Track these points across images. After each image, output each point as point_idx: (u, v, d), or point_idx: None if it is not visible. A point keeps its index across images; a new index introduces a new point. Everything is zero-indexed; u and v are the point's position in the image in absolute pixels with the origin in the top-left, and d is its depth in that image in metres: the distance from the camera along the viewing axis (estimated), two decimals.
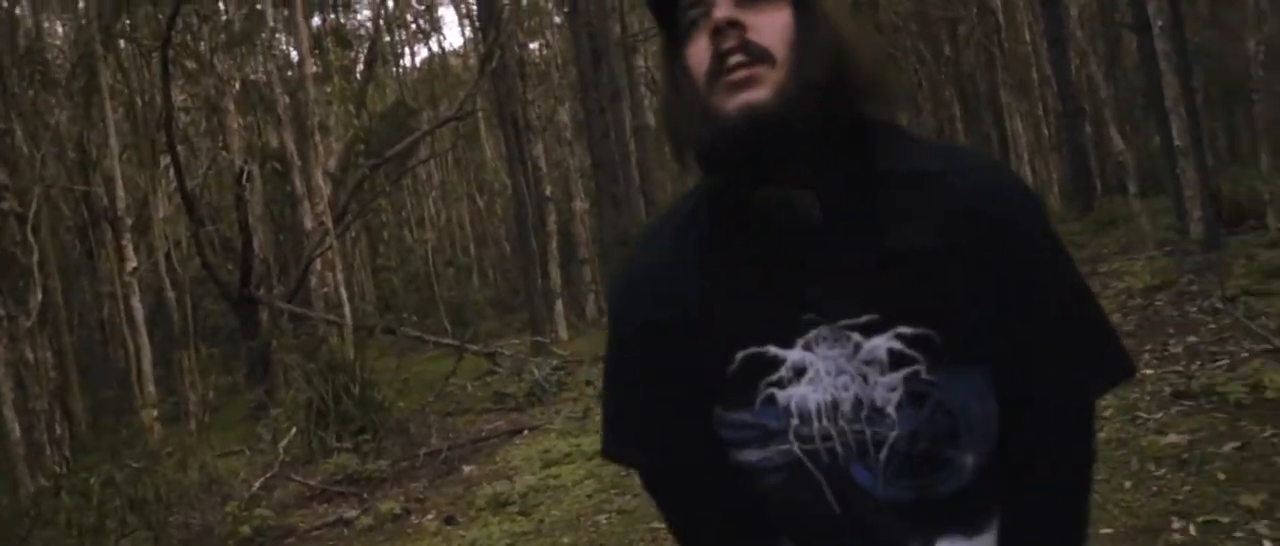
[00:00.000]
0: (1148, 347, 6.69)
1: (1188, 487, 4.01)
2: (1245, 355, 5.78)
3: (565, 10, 18.73)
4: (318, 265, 12.87)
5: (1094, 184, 16.76)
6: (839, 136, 1.06)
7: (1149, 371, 6.09)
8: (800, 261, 1.06)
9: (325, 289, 12.84)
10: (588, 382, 9.84)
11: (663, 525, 4.24)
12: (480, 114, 22.64)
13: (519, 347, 12.26)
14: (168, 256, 13.46)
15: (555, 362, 11.16)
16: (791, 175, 1.04)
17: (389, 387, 9.23)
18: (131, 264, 11.16)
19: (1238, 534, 3.51)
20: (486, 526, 5.63)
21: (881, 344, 1.05)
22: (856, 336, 1.06)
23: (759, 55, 1.02)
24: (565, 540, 5.18)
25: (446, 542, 5.52)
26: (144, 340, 10.93)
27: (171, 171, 12.79)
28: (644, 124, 21.47)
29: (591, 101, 16.63)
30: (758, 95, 1.01)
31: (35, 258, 9.11)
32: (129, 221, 12.15)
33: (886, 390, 1.06)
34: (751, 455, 1.10)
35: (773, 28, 1.03)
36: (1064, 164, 19.13)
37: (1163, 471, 4.25)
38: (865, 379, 1.06)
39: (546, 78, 20.03)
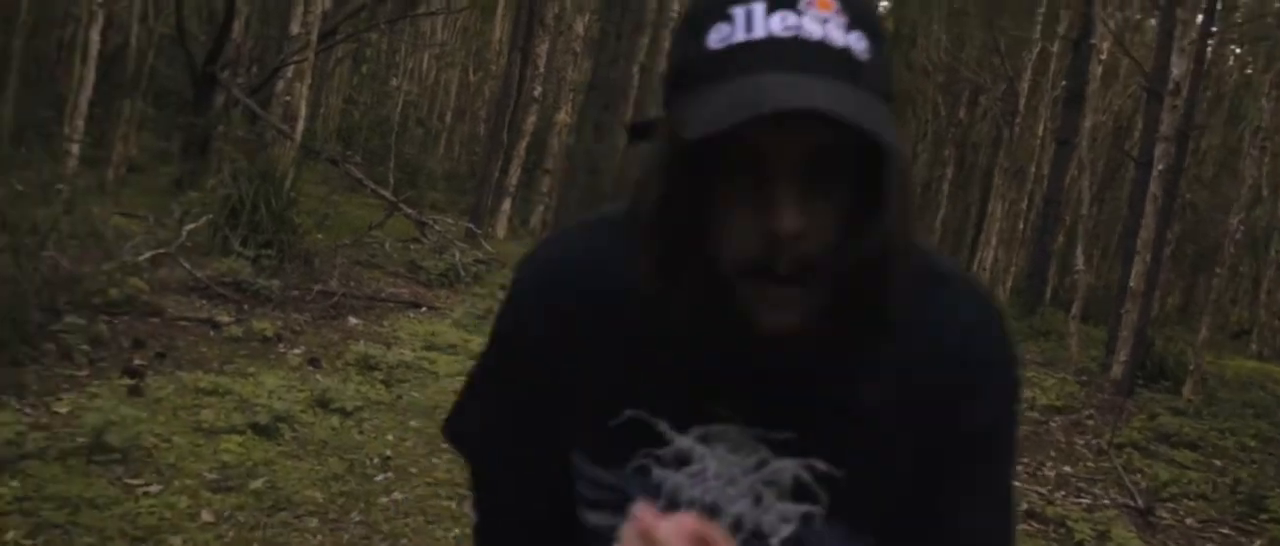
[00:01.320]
0: (1024, 461, 6.80)
1: None
2: (1107, 503, 5.90)
3: None
4: (289, 72, 12.55)
5: (1044, 293, 16.99)
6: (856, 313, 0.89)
7: (1016, 482, 6.18)
8: (741, 358, 0.90)
9: (288, 98, 12.52)
10: (502, 286, 9.77)
11: None
12: None
13: (452, 227, 12.12)
14: (146, 4, 13.03)
15: (480, 256, 11.07)
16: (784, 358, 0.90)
17: (310, 215, 9.08)
18: None
19: None
20: (346, 381, 5.56)
21: (790, 468, 0.93)
22: (765, 451, 0.93)
23: (803, 266, 0.82)
24: (413, 423, 5.14)
25: (302, 380, 5.44)
26: (91, 73, 10.59)
27: None
28: (655, 66, 21.24)
29: (611, 22, 16.38)
30: (788, 319, 0.84)
31: None
32: None
33: (778, 519, 0.94)
34: (600, 519, 0.99)
35: (826, 228, 0.82)
36: (1026, 262, 19.34)
37: None
38: (758, 500, 0.93)
39: None
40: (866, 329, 0.89)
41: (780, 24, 0.79)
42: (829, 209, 0.82)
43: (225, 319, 6.50)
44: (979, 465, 0.98)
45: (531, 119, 16.57)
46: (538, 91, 16.36)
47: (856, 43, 0.80)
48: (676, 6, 25.63)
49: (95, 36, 10.65)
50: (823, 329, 0.86)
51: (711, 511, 0.93)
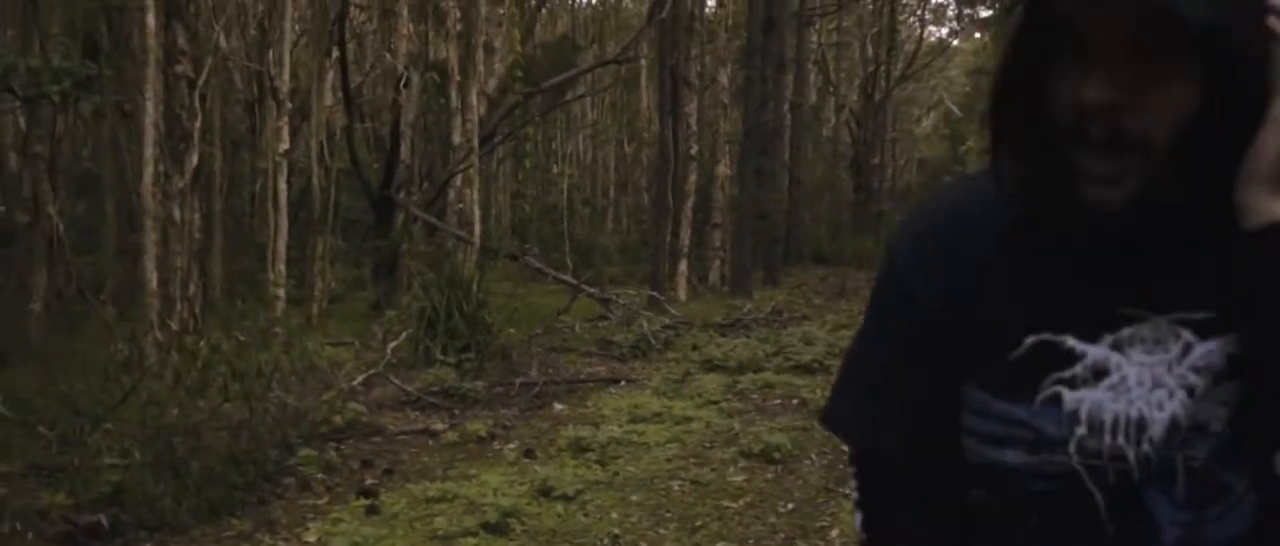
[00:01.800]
0: None
1: None
2: None
3: None
4: (458, 181, 13.12)
5: None
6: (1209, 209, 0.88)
7: None
8: (1141, 251, 0.90)
9: (461, 205, 13.09)
10: (694, 347, 9.82)
11: (732, 503, 4.17)
12: (644, 62, 22.65)
13: (634, 298, 12.29)
14: (321, 146, 13.93)
15: (666, 321, 11.16)
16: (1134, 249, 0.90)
17: (500, 312, 9.39)
18: (285, 145, 11.58)
19: None
20: (563, 467, 5.68)
21: (1218, 348, 0.89)
22: (1188, 335, 0.90)
23: (1129, 144, 0.84)
24: (634, 498, 5.18)
25: (521, 473, 5.58)
26: (283, 220, 11.37)
27: (338, 65, 13.17)
28: (804, 101, 21.16)
29: (754, 68, 16.45)
30: (1111, 195, 0.85)
31: (197, 123, 9.51)
32: (291, 105, 12.61)
33: (1215, 404, 0.90)
34: (1013, 457, 0.95)
35: (1161, 111, 0.84)
36: None
37: None
38: (1190, 391, 0.89)
39: (715, 36, 19.85)
40: (1214, 212, 0.86)
41: None
42: (1165, 91, 0.84)
43: (440, 426, 6.76)
44: None
45: (692, 177, 16.71)
46: (694, 149, 16.52)
47: None
48: (816, 40, 25.54)
49: (282, 185, 11.44)
50: (1154, 213, 0.85)
51: (1139, 427, 0.90)
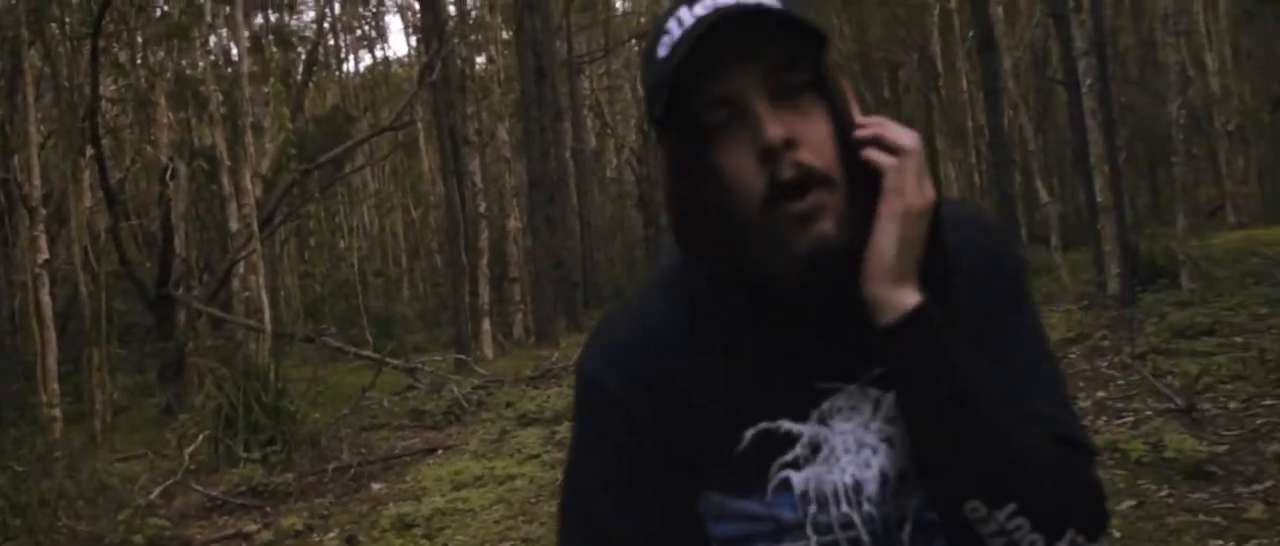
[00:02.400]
0: None
1: None
2: (1149, 413, 5.91)
3: (512, 27, 18.70)
4: (241, 268, 12.60)
5: (1020, 234, 17.11)
6: None
7: None
8: (818, 327, 0.97)
9: (247, 293, 12.56)
10: (508, 404, 9.75)
11: None
12: (419, 125, 22.46)
13: (441, 364, 12.10)
14: (86, 250, 13.07)
15: (476, 382, 11.04)
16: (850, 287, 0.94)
17: (303, 398, 9.04)
18: (44, 255, 10.81)
19: None
20: None
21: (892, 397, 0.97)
22: (875, 392, 0.96)
23: (816, 179, 0.90)
24: None
25: None
26: (51, 335, 10.58)
27: (94, 163, 12.43)
28: (584, 146, 21.50)
29: (532, 120, 16.60)
30: (825, 228, 0.90)
31: None
32: (45, 211, 11.79)
33: (910, 457, 0.96)
34: None
35: (822, 142, 0.91)
36: (993, 212, 19.50)
37: None
38: (891, 443, 0.96)
39: (489, 92, 19.94)
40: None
41: (702, 7, 0.91)
42: (810, 122, 0.91)
43: (253, 526, 6.45)
44: (1020, 318, 1.02)
45: (484, 234, 16.67)
46: (482, 206, 16.50)
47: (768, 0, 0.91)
48: (588, 85, 26.02)
49: (46, 298, 10.66)
50: (861, 238, 0.91)
51: (857, 490, 0.95)
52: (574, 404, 1.05)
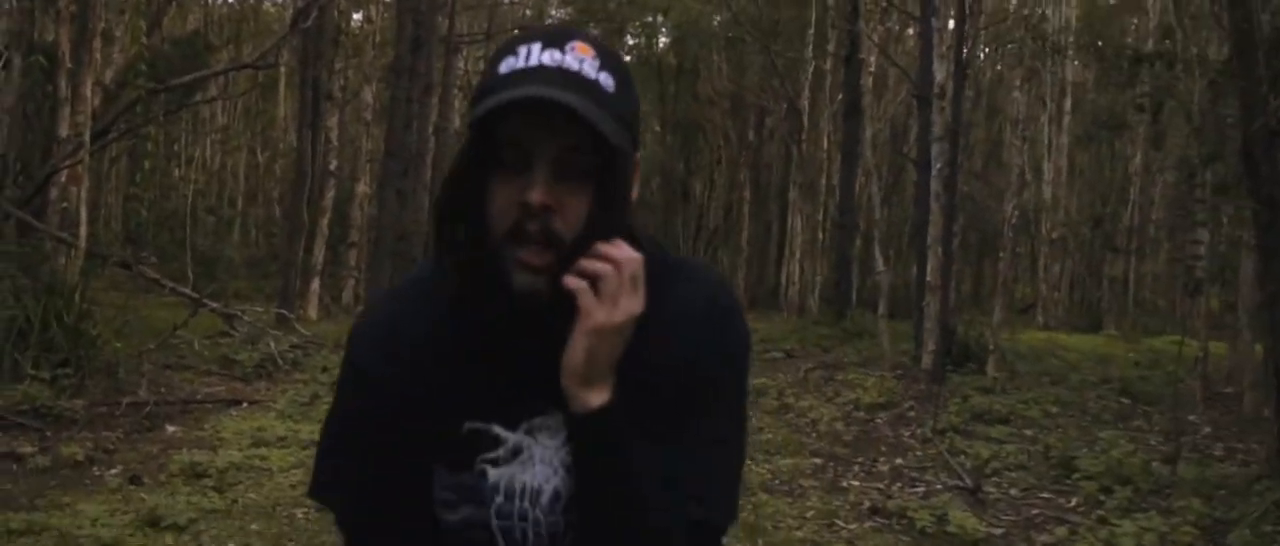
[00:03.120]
0: (859, 461, 7.12)
1: None
2: (940, 487, 6.25)
3: None
4: (63, 177, 11.84)
5: (851, 296, 17.80)
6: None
7: (855, 483, 6.48)
8: (539, 351, 1.11)
9: (65, 204, 11.81)
10: (324, 368, 9.53)
11: None
12: (283, 69, 21.68)
13: (262, 316, 11.69)
14: None
15: (295, 340, 10.73)
16: (550, 330, 1.10)
17: (108, 325, 8.59)
18: None
19: None
20: (174, 494, 5.30)
21: None
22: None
23: (554, 242, 1.07)
24: (254, 526, 4.95)
25: (125, 502, 5.15)
26: None
27: None
28: (448, 125, 21.18)
29: (400, 89, 16.24)
30: (540, 283, 1.07)
31: None
32: None
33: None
34: (461, 514, 1.16)
35: (574, 216, 1.08)
36: (830, 270, 20.23)
37: None
38: (567, 469, 1.13)
39: (361, 51, 19.44)
40: None
41: (549, 58, 1.08)
42: (575, 201, 1.08)
43: (28, 449, 6.08)
44: (719, 397, 1.18)
45: (330, 194, 16.21)
46: (334, 165, 16.04)
47: (605, 79, 1.09)
48: (462, 66, 25.68)
49: None
50: (566, 299, 1.07)
51: (537, 493, 1.14)
52: (339, 372, 1.24)
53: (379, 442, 1.17)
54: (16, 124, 13.58)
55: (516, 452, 1.14)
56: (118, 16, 14.35)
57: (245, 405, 7.96)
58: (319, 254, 15.92)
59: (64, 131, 11.95)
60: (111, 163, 19.64)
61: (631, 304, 1.08)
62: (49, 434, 6.54)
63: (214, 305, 11.09)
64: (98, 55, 12.42)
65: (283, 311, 12.45)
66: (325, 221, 16.19)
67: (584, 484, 1.12)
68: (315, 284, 15.57)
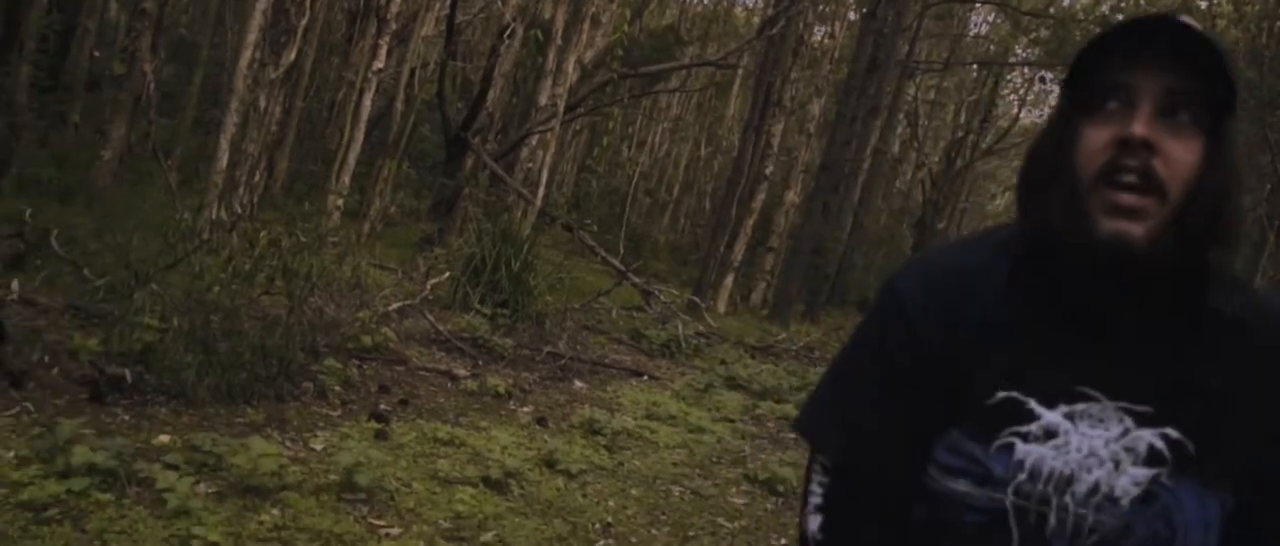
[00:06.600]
0: None
1: None
2: None
3: (863, 10, 18.40)
4: (534, 141, 13.20)
5: None
6: (1185, 274, 1.07)
7: None
8: (1101, 338, 1.06)
9: (531, 165, 13.17)
10: (722, 361, 9.83)
11: (728, 522, 4.17)
12: (740, 71, 22.61)
13: (676, 299, 12.31)
14: (412, 73, 14.07)
15: (701, 328, 11.17)
16: (1128, 295, 1.05)
17: (544, 278, 9.44)
18: (379, 63, 11.72)
19: None
20: (572, 443, 5.71)
21: (1147, 437, 1.06)
22: (1129, 421, 1.06)
23: (1155, 188, 1.00)
24: (634, 491, 5.21)
25: (530, 439, 5.63)
26: (360, 134, 11.51)
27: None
28: (887, 149, 21.03)
29: (847, 106, 16.37)
30: (1134, 230, 1.01)
31: (303, 21, 9.66)
32: (393, 26, 12.74)
33: (1130, 482, 1.05)
34: (960, 486, 1.08)
35: (1181, 162, 1.01)
36: None
37: None
38: (1116, 465, 1.05)
39: (816, 65, 19.78)
40: (1191, 291, 1.06)
41: (1149, 20, 1.02)
42: (1180, 147, 1.01)
43: (462, 372, 6.83)
44: None
45: (760, 196, 16.68)
46: (769, 170, 16.48)
47: (1217, 39, 1.02)
48: (913, 91, 25.34)
49: (367, 101, 11.58)
50: (1158, 260, 1.00)
51: (1068, 481, 1.05)
52: (872, 303, 1.19)
53: (901, 400, 1.12)
54: (507, 87, 15.32)
55: (1051, 434, 1.06)
56: (607, 3, 15.66)
57: (646, 378, 8.40)
58: (738, 252, 16.46)
59: (543, 100, 13.29)
60: (574, 134, 21.58)
61: None
62: (480, 362, 7.31)
63: (636, 280, 11.82)
64: (585, 36, 13.63)
65: (695, 299, 13.01)
66: (750, 223, 16.69)
67: None
68: (729, 279, 16.12)
